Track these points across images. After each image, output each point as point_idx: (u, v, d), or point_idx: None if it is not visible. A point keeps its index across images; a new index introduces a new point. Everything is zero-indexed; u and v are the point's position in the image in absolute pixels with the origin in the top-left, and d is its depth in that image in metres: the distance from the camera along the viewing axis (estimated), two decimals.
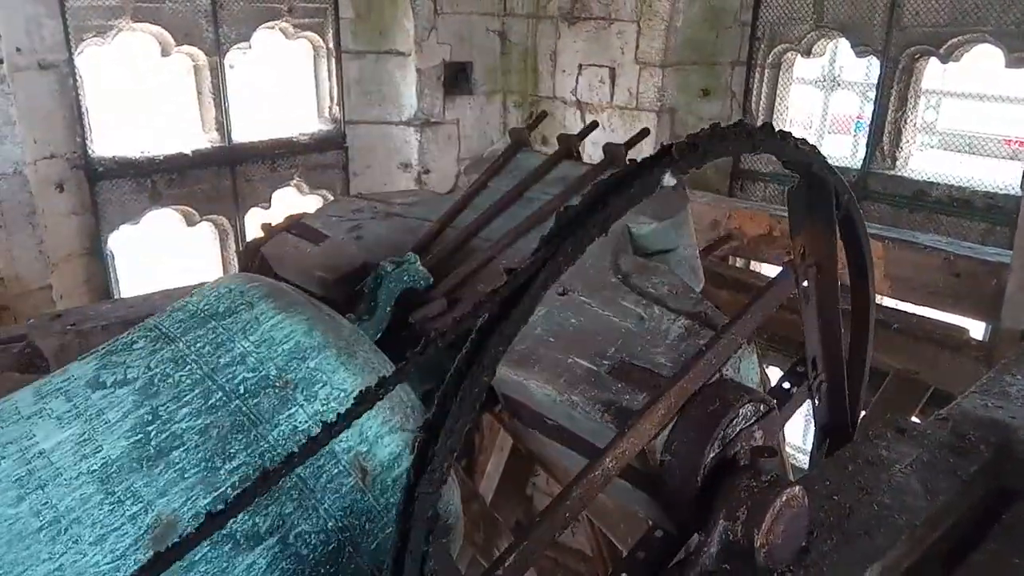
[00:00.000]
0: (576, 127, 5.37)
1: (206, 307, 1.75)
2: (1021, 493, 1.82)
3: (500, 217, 2.28)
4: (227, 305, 1.73)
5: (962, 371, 3.12)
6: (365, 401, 1.06)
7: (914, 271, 3.15)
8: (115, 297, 4.45)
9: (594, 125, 2.86)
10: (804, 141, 1.49)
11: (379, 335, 1.95)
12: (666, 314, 1.71)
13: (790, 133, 1.46)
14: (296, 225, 2.37)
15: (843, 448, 1.88)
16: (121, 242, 4.52)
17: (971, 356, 3.19)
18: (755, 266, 4.41)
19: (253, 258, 2.34)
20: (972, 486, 1.79)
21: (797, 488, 1.44)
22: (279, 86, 6.32)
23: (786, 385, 1.87)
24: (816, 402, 1.89)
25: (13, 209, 3.69)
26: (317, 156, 5.24)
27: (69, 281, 4.19)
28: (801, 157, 1.49)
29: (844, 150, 7.12)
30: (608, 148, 2.42)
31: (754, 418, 1.49)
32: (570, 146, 2.60)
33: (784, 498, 1.41)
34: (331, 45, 5.17)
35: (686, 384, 1.46)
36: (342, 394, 1.57)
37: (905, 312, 3.43)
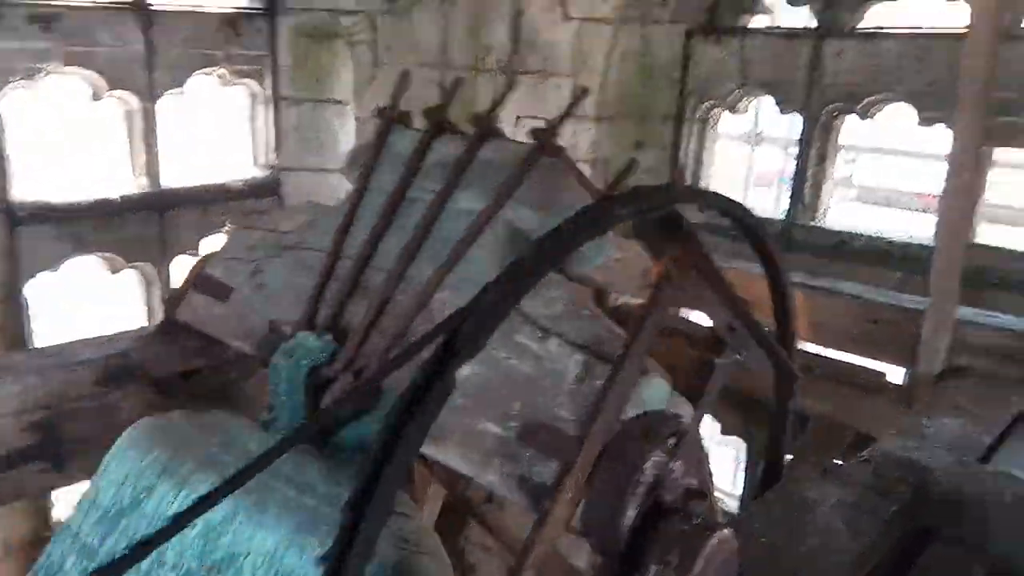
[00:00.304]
0: None
1: (113, 502, 1.69)
2: (937, 533, 1.89)
3: (390, 231, 2.01)
4: (130, 495, 1.67)
5: (882, 414, 3.23)
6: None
7: (834, 318, 3.27)
8: (29, 347, 4.27)
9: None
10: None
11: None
12: (563, 348, 1.63)
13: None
14: (200, 280, 2.24)
15: (770, 490, 1.92)
16: (39, 289, 4.35)
17: (890, 399, 3.31)
18: (684, 313, 4.51)
19: (173, 315, 2.26)
20: (892, 526, 1.84)
21: (727, 531, 1.46)
22: (215, 132, 6.26)
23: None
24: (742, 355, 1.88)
25: None
26: (251, 202, 5.18)
27: None
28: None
29: (768, 203, 7.43)
30: (537, 133, 2.06)
31: (667, 458, 1.50)
32: (441, 120, 2.16)
33: (715, 541, 1.43)
34: (269, 92, 5.16)
35: (590, 450, 1.43)
36: (267, 556, 1.51)
37: (826, 357, 3.53)
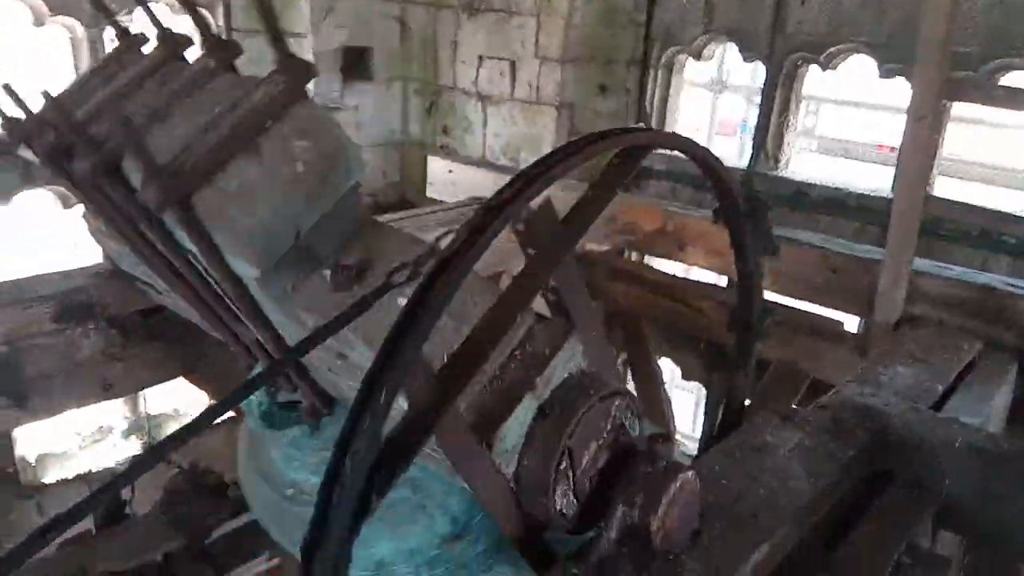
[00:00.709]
0: (478, 119, 5.38)
1: None
2: (893, 476, 1.97)
3: None
4: None
5: (839, 362, 3.32)
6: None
7: (793, 267, 3.32)
8: None
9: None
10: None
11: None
12: None
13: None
14: None
15: (730, 436, 1.97)
16: None
17: (847, 347, 3.40)
18: (648, 260, 4.55)
19: None
20: (850, 470, 1.91)
21: (690, 473, 1.50)
22: None
23: None
24: None
25: None
26: None
27: None
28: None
29: (730, 152, 7.45)
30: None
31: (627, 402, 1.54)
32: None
33: (679, 483, 1.47)
34: (221, 22, 4.95)
35: None
36: None
37: (785, 305, 3.61)
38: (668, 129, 5.16)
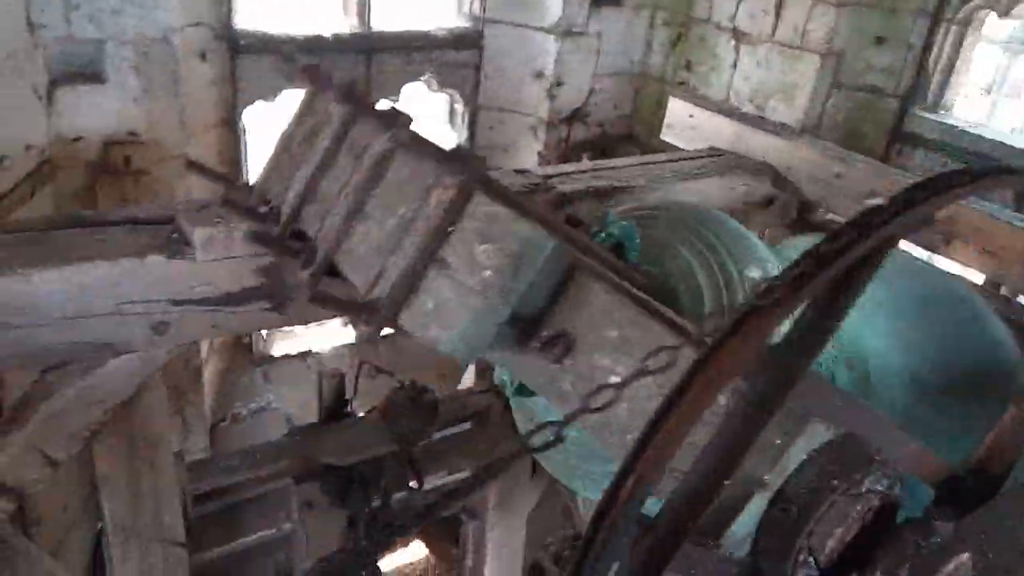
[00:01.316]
0: (728, 58, 5.03)
1: None
2: None
3: None
4: None
5: None
6: None
7: None
8: (245, 171, 4.54)
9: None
10: None
11: None
12: None
13: None
14: None
15: (1002, 498, 1.75)
16: (256, 117, 4.54)
17: None
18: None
19: None
20: None
21: (966, 556, 1.34)
22: None
23: None
24: None
25: (159, 76, 3.72)
26: (452, 53, 5.09)
27: (203, 151, 4.26)
28: None
29: (1015, 117, 6.45)
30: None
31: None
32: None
33: (952, 566, 1.32)
34: None
35: None
36: None
37: None
38: (951, 89, 4.56)
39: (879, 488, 1.34)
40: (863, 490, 1.31)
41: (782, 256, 2.19)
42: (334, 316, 2.66)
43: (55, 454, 2.20)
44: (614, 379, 1.30)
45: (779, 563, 1.26)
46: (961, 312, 2.20)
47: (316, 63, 1.85)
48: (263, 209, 2.04)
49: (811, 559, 1.26)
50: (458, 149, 1.46)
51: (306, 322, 2.61)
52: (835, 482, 1.28)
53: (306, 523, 2.95)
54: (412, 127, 1.64)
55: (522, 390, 1.83)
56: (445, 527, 4.28)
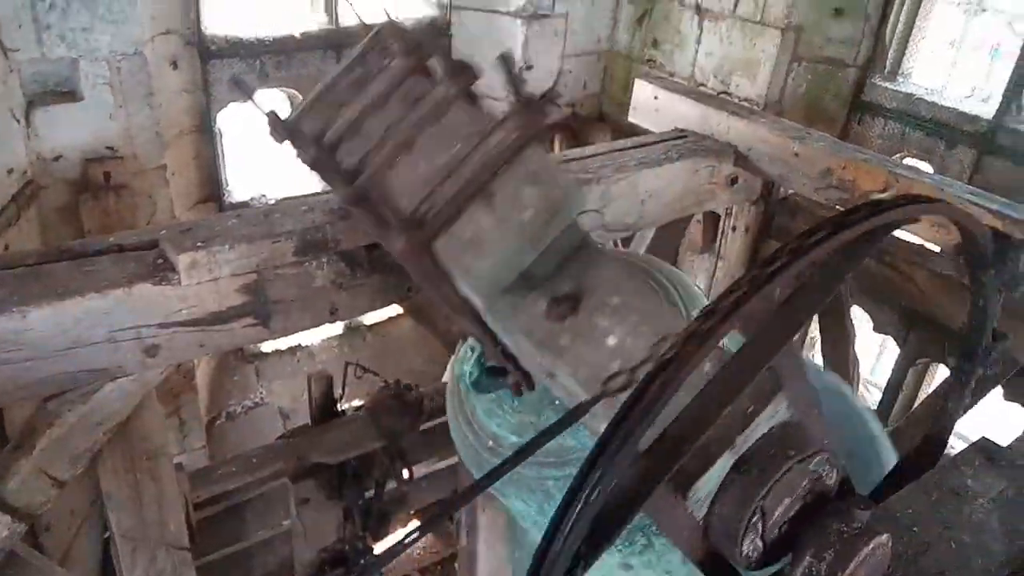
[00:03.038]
0: (692, 34, 5.12)
1: None
2: None
3: None
4: None
5: None
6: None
7: None
8: (223, 175, 4.63)
9: None
10: None
11: None
12: None
13: None
14: None
15: (931, 473, 1.91)
16: (229, 120, 4.62)
17: None
18: None
19: None
20: None
21: (885, 537, 1.50)
22: None
23: None
24: None
25: (133, 89, 3.79)
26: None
27: (179, 158, 4.35)
28: None
29: (978, 76, 6.52)
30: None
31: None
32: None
33: (871, 546, 1.48)
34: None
35: None
36: None
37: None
38: (909, 57, 4.67)
39: (823, 471, 1.51)
40: (811, 467, 1.48)
41: None
42: (315, 326, 2.79)
43: (61, 476, 2.35)
44: (611, 340, 1.50)
45: (736, 517, 1.43)
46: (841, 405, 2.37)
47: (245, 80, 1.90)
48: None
49: (758, 525, 1.43)
50: (531, 97, 1.54)
51: (289, 333, 2.74)
52: (792, 452, 1.46)
53: (304, 518, 3.12)
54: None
55: (477, 384, 1.99)
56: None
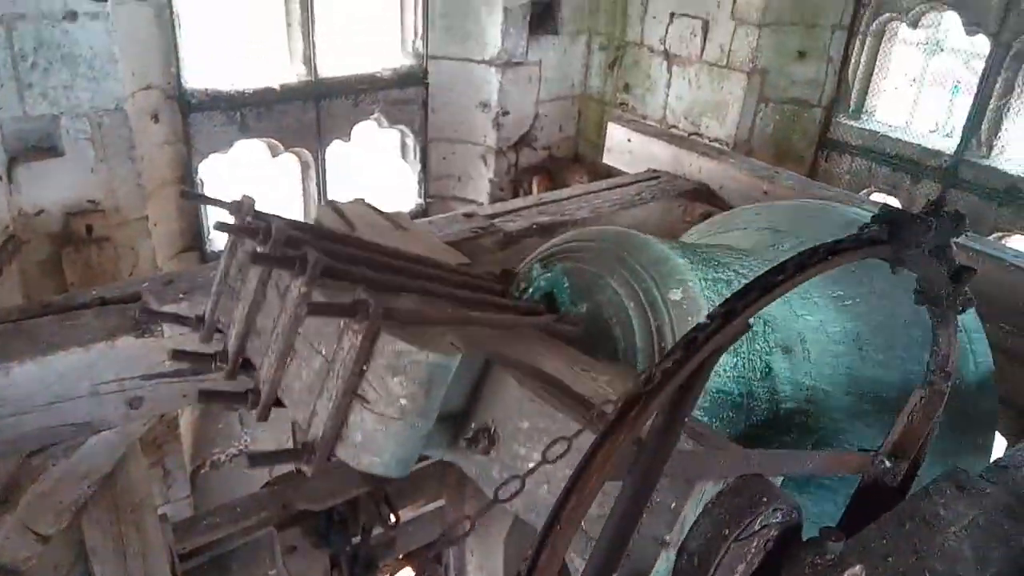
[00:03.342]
0: (662, 79, 5.27)
1: None
2: None
3: None
4: None
5: None
6: None
7: (993, 288, 3.11)
8: (205, 224, 4.67)
9: None
10: None
11: None
12: None
13: None
14: None
15: (905, 502, 1.96)
16: (210, 170, 4.68)
17: None
18: None
19: None
20: (1021, 558, 1.86)
21: (858, 568, 1.55)
22: (363, 20, 6.27)
23: None
24: None
25: (114, 144, 3.85)
26: (398, 92, 5.27)
27: (161, 209, 4.39)
28: None
29: (940, 110, 6.77)
30: None
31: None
32: None
33: None
34: None
35: None
36: None
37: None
38: (871, 95, 4.83)
39: (775, 521, 1.54)
40: (757, 528, 1.50)
41: (698, 255, 2.34)
42: None
43: (45, 531, 2.34)
44: (530, 465, 1.43)
45: None
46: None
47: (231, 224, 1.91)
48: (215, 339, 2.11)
49: None
50: (356, 301, 1.49)
51: None
52: (727, 530, 1.45)
53: (290, 567, 3.11)
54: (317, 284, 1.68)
55: None
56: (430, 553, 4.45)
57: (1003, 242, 3.87)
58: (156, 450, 4.30)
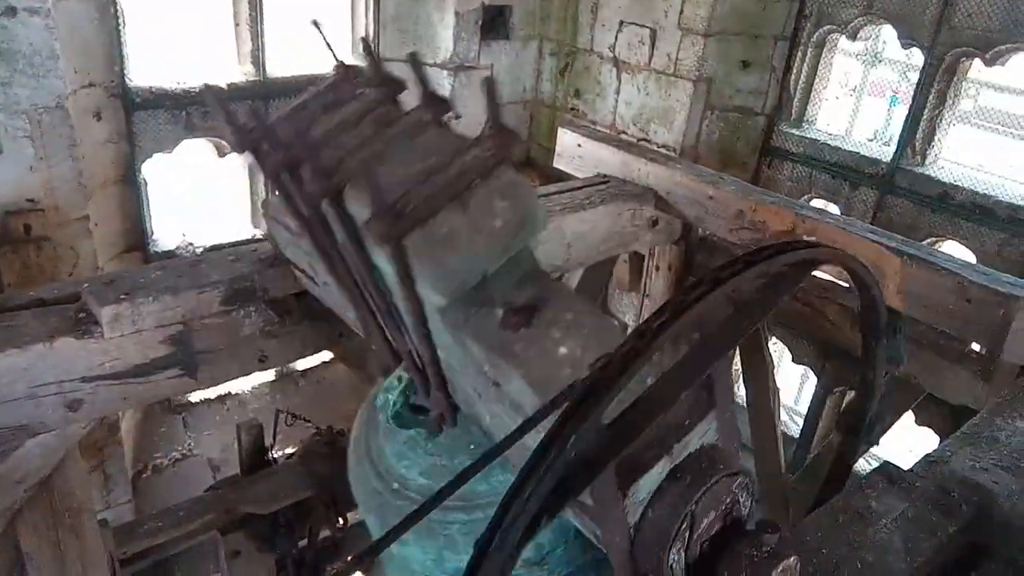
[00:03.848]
0: (611, 85, 5.35)
1: None
2: (990, 551, 1.99)
3: None
4: None
5: (959, 382, 3.28)
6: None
7: (925, 288, 3.23)
8: (148, 224, 4.58)
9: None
10: None
11: None
12: None
13: None
14: None
15: (839, 496, 2.04)
16: (154, 170, 4.59)
17: (970, 369, 3.33)
18: None
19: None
20: (950, 544, 1.95)
21: (793, 560, 1.60)
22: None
23: None
24: None
25: (55, 142, 3.75)
26: None
27: (104, 209, 4.29)
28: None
29: (878, 118, 7.02)
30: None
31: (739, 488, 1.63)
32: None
33: (780, 569, 1.58)
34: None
35: None
36: None
37: (912, 319, 3.53)
38: (812, 104, 4.98)
39: (741, 495, 1.61)
40: (733, 486, 1.59)
41: None
42: (244, 375, 2.79)
43: None
44: (563, 350, 1.60)
45: (669, 519, 1.51)
46: None
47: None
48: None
49: (685, 535, 1.52)
50: (504, 127, 1.65)
51: (218, 383, 2.74)
52: (720, 467, 1.57)
53: (234, 572, 3.07)
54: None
55: (399, 418, 2.03)
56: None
57: (936, 247, 4.02)
58: (96, 453, 4.19)
